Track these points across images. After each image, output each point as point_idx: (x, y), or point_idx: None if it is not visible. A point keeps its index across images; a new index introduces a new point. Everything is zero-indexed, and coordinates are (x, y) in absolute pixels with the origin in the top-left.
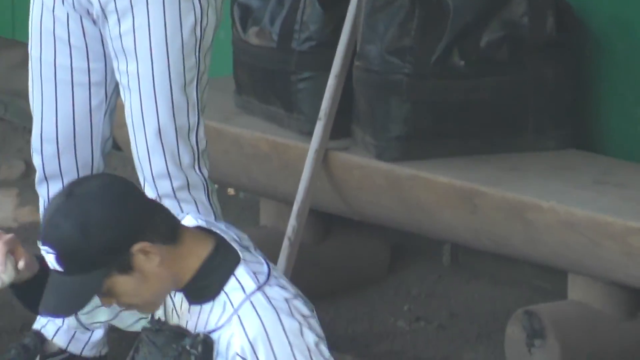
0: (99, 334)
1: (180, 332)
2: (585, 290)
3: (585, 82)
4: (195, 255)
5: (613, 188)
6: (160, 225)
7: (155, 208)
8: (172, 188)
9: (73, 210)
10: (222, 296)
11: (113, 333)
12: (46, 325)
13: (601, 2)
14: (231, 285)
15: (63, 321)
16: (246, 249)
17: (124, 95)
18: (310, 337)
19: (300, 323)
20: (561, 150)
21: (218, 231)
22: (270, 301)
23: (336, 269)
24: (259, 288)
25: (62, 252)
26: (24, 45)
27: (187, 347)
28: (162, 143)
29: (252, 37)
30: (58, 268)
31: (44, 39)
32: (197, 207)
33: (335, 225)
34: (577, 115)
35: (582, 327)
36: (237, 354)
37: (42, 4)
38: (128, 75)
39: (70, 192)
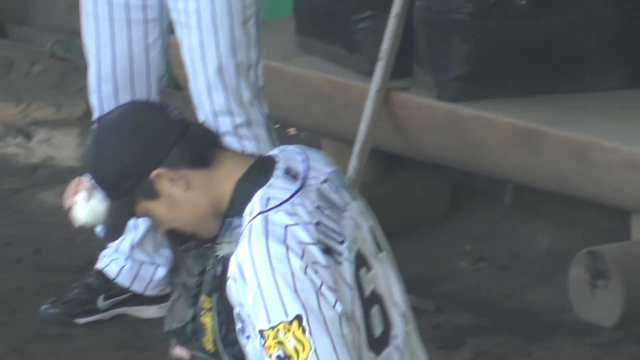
0: (161, 272)
1: (204, 253)
2: None
3: None
4: (231, 179)
5: None
6: (187, 150)
7: (184, 132)
8: (234, 125)
9: (93, 138)
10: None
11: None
12: (109, 264)
13: None
14: (248, 210)
15: (126, 260)
16: (288, 174)
17: (182, 33)
18: (297, 263)
19: (288, 248)
20: (623, 90)
21: (279, 154)
22: (266, 225)
23: (398, 209)
24: (262, 212)
25: (92, 179)
26: None
27: (208, 267)
28: (223, 80)
29: None
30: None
31: None
32: (258, 144)
33: (395, 165)
34: (638, 54)
35: None
36: (229, 276)
37: None
38: (188, 13)
39: (99, 121)
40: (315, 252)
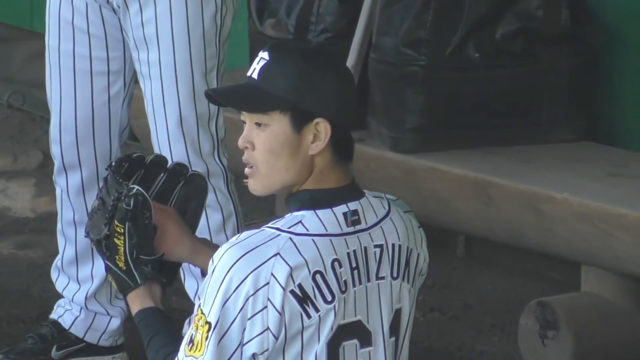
0: (115, 323)
1: (121, 182)
2: (599, 282)
3: (599, 74)
4: (327, 183)
5: (627, 180)
6: (348, 136)
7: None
8: None
9: (302, 54)
10: None
11: (129, 323)
12: (63, 315)
13: None
14: (287, 214)
15: (80, 310)
16: (348, 217)
17: (143, 84)
18: (246, 288)
19: (253, 271)
20: (575, 142)
21: (378, 199)
22: (267, 239)
23: None
24: (279, 229)
25: (272, 66)
26: (42, 35)
27: (122, 197)
28: (183, 131)
29: (269, 29)
30: (255, 75)
31: (62, 29)
32: (216, 195)
33: None
34: (591, 107)
35: (596, 319)
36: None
37: None
38: (149, 64)
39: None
40: (280, 294)
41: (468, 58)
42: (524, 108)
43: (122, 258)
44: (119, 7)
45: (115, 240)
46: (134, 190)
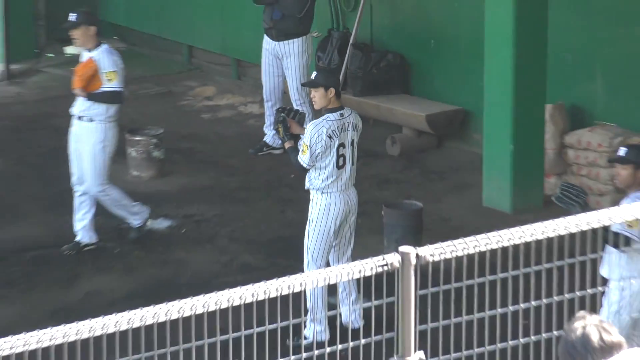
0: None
1: (282, 112)
2: None
3: None
4: (330, 105)
5: None
6: (339, 94)
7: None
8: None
9: (324, 71)
10: None
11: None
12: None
13: None
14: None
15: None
16: (336, 113)
17: (286, 75)
18: (320, 127)
19: (319, 124)
20: None
21: (344, 111)
22: (319, 119)
23: None
24: (321, 118)
25: (317, 75)
26: None
27: (280, 117)
28: (297, 95)
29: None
30: (313, 77)
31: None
32: (305, 117)
33: None
34: None
35: None
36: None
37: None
38: (287, 69)
39: None
40: (325, 130)
41: None
42: None
43: (281, 134)
44: (281, 58)
45: (278, 129)
46: (283, 114)
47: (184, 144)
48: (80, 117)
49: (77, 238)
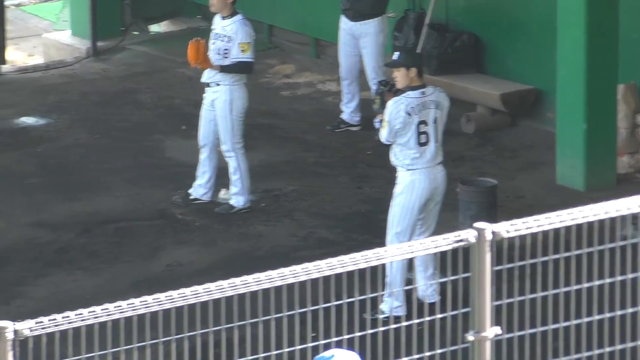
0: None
1: (383, 90)
2: None
3: None
4: (415, 83)
5: None
6: (420, 73)
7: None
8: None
9: (405, 50)
10: None
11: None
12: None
13: None
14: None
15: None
16: (417, 90)
17: (364, 54)
18: (398, 104)
19: (397, 101)
20: None
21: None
22: (398, 97)
23: None
24: (401, 96)
25: (400, 55)
26: None
27: (379, 90)
28: (375, 71)
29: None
30: (396, 57)
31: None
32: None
33: None
34: None
35: None
36: None
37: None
38: (365, 48)
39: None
40: (404, 107)
41: None
42: None
43: (378, 105)
44: (357, 37)
45: (376, 100)
46: (383, 87)
47: (263, 120)
48: (208, 84)
49: (231, 202)
